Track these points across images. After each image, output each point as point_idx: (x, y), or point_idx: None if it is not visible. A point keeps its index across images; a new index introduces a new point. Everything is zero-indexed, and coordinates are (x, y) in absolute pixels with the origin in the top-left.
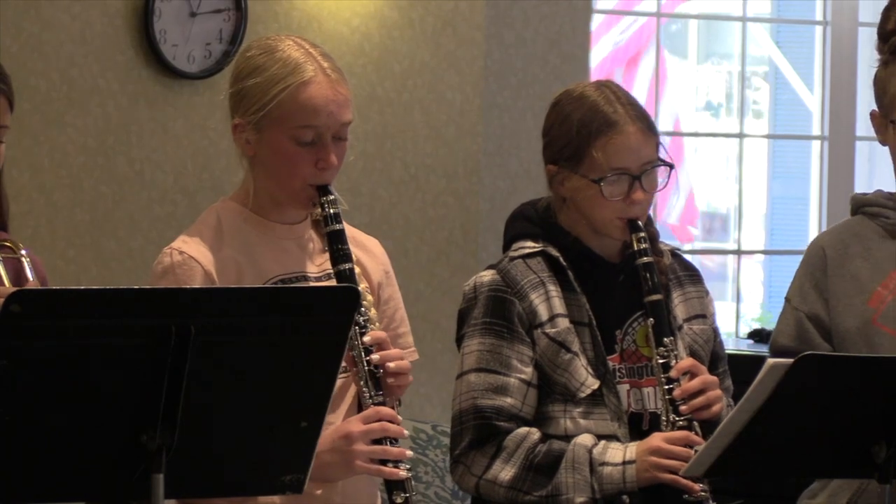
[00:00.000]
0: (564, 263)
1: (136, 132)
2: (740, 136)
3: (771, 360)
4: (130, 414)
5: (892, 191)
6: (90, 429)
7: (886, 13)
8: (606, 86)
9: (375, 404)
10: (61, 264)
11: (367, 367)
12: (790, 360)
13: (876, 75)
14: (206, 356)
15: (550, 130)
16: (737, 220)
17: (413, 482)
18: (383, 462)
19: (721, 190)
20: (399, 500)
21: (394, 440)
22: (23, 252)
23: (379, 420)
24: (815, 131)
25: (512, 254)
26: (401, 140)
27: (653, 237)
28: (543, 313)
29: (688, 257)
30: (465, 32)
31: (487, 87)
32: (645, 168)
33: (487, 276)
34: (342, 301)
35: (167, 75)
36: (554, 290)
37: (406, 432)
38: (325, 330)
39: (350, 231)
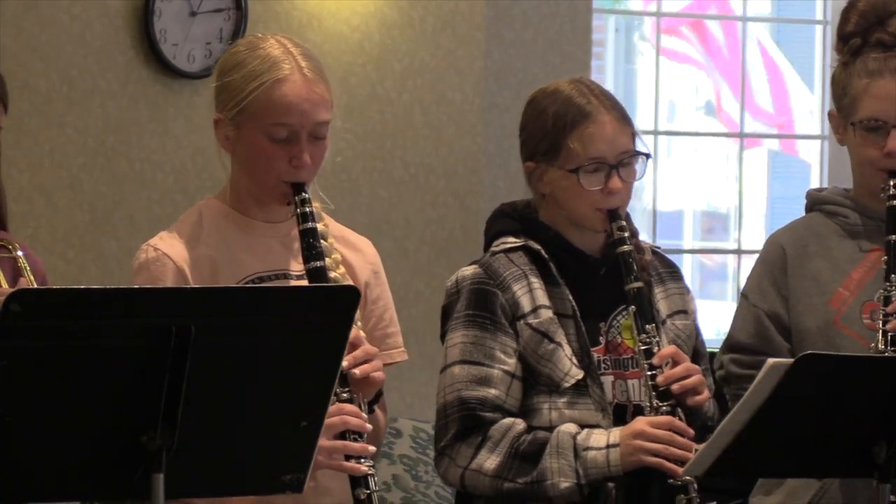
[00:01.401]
0: (546, 256)
1: (136, 132)
2: (741, 135)
3: (771, 361)
4: (131, 414)
5: (847, 187)
6: (90, 429)
7: (846, 15)
8: (580, 81)
9: (341, 401)
10: (61, 264)
11: None
12: (790, 360)
13: (834, 76)
14: (206, 356)
15: (526, 127)
16: (737, 220)
17: (377, 479)
18: (347, 458)
19: (721, 190)
20: (362, 497)
21: (358, 437)
22: (19, 253)
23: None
24: (815, 131)
25: (494, 249)
26: (401, 140)
27: (632, 234)
28: (526, 304)
29: (687, 257)
30: (465, 32)
31: (487, 87)
32: (622, 157)
33: (469, 270)
34: (342, 300)
35: (167, 75)
36: (536, 282)
37: (369, 427)
38: (325, 329)
39: (339, 230)
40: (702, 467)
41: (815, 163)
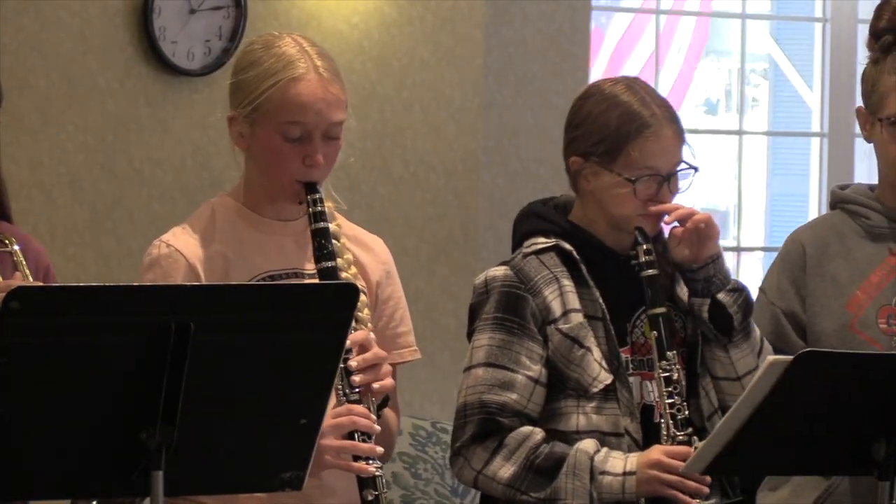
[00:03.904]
0: (577, 257)
1: (136, 130)
2: (739, 132)
3: (771, 357)
4: (130, 411)
5: (872, 183)
6: (90, 426)
7: (879, 11)
8: (638, 85)
9: (351, 402)
10: (61, 262)
11: (342, 366)
12: (790, 357)
13: (865, 72)
14: (205, 353)
15: (580, 125)
16: (736, 218)
17: (385, 480)
18: (355, 459)
19: (720, 187)
20: (370, 498)
21: (366, 437)
22: (16, 248)
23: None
24: (815, 128)
25: (525, 250)
26: (400, 138)
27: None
28: (557, 309)
29: None
30: (465, 30)
31: (487, 85)
32: (674, 171)
33: (500, 271)
34: (341, 298)
35: (167, 72)
36: (568, 284)
37: (378, 428)
38: (325, 327)
39: (352, 229)
40: (702, 464)
41: (816, 162)
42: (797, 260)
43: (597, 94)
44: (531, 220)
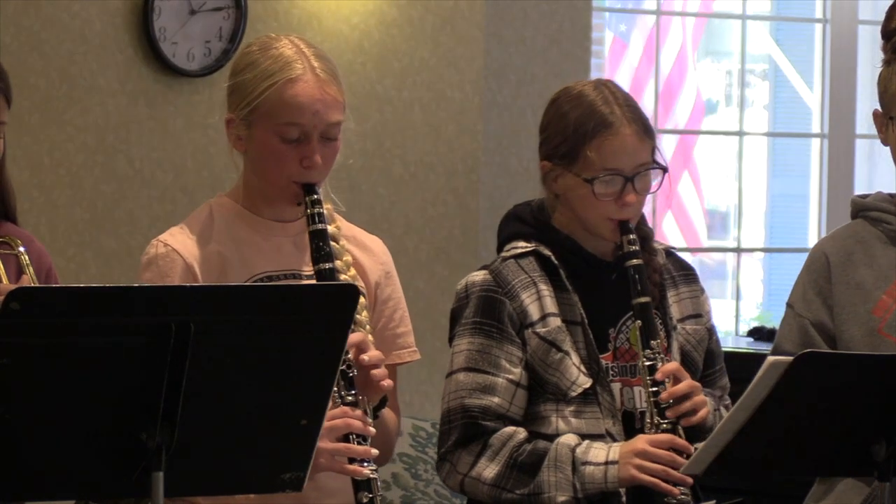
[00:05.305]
0: (556, 262)
1: (136, 130)
2: (740, 133)
3: (771, 358)
4: (130, 412)
5: (892, 192)
6: (90, 427)
7: (890, 12)
8: (605, 85)
9: (346, 404)
10: (61, 262)
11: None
12: (789, 358)
13: (880, 74)
14: (205, 354)
15: (547, 127)
16: (736, 218)
17: (379, 483)
18: (350, 461)
19: (721, 188)
20: (364, 500)
21: (362, 439)
22: (21, 249)
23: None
24: (815, 129)
25: (504, 254)
26: (400, 138)
27: (646, 236)
28: (534, 313)
29: (686, 255)
30: (465, 30)
31: (487, 86)
32: (638, 170)
33: (479, 276)
34: (342, 298)
35: (167, 73)
36: (546, 289)
37: (373, 430)
38: (325, 327)
39: (351, 230)
40: (701, 466)
41: (816, 163)
42: (821, 270)
43: (562, 97)
44: (512, 224)
